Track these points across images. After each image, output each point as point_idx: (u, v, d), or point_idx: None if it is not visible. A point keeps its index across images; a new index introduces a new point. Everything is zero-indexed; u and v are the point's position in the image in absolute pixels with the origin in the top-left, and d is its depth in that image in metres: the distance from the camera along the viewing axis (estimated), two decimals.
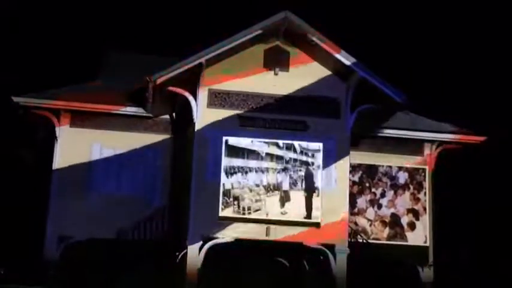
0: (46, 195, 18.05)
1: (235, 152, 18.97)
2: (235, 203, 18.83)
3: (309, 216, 18.98)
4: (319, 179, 19.13)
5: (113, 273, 16.06)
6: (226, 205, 18.70)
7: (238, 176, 18.88)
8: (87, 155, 17.93)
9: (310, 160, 19.00)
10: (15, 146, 24.14)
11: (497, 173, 23.91)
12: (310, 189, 19.24)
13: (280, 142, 19.05)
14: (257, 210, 18.73)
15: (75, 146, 18.15)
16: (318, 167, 19.35)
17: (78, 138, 18.30)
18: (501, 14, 27.55)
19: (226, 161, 19.08)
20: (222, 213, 18.79)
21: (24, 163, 24.13)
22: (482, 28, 28.36)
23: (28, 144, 23.48)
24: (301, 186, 18.99)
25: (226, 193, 18.82)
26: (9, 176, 23.93)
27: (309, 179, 18.98)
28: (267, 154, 19.01)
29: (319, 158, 19.20)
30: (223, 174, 19.05)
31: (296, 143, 19.27)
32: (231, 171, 18.92)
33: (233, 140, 19.15)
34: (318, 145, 19.46)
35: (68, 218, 17.57)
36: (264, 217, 18.51)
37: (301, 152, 19.15)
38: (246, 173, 18.73)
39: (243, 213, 18.77)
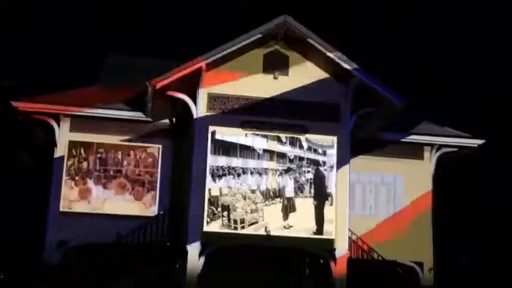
0: (46, 200, 18.59)
1: (224, 148, 15.79)
2: (225, 214, 15.31)
3: (319, 231, 15.77)
4: (332, 183, 16.06)
5: (112, 277, 16.70)
6: (213, 217, 15.30)
7: (229, 179, 15.53)
8: (87, 159, 18.59)
9: (320, 159, 16.15)
10: (15, 150, 24.66)
11: (497, 176, 24.65)
12: (321, 196, 16.04)
13: (283, 136, 16.11)
14: (253, 224, 15.52)
15: (74, 150, 18.58)
16: (331, 167, 16.07)
17: (78, 142, 18.63)
18: (499, 17, 27.86)
19: (212, 160, 15.59)
20: (207, 228, 15.22)
21: (23, 167, 24.63)
22: (480, 31, 28.33)
23: (28, 149, 24.05)
24: (310, 192, 16.03)
25: (213, 201, 15.39)
26: (8, 180, 24.16)
27: (319, 183, 16.13)
28: (266, 151, 15.92)
29: (332, 156, 16.15)
30: (208, 177, 15.46)
31: (303, 137, 16.14)
32: (218, 173, 15.49)
33: (222, 133, 15.92)
34: (331, 139, 16.24)
35: (67, 222, 18.04)
36: (261, 232, 15.54)
37: (309, 149, 16.13)
38: (239, 175, 15.65)
39: (235, 228, 15.24)
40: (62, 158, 18.56)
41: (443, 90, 26.84)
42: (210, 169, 15.60)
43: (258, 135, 16.11)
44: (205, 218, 15.39)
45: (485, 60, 27.16)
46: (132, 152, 18.76)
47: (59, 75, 25.38)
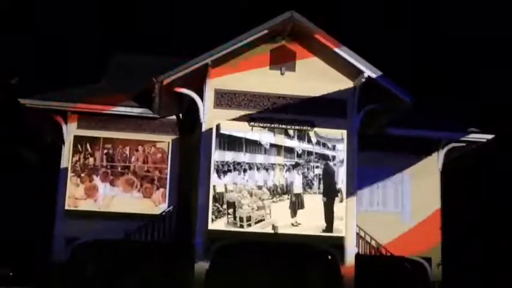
0: (53, 197, 18.50)
1: (230, 143, 15.14)
2: (230, 211, 14.63)
3: (329, 228, 15.15)
4: (341, 179, 15.40)
5: (120, 274, 16.76)
6: (218, 214, 14.66)
7: (234, 175, 14.85)
8: (94, 156, 18.54)
9: (329, 153, 15.57)
10: (22, 148, 25.12)
11: (505, 172, 24.65)
12: (330, 193, 15.41)
13: (290, 130, 15.59)
14: (260, 221, 14.85)
15: (80, 146, 18.54)
16: (341, 162, 15.39)
17: (85, 139, 18.57)
18: (507, 10, 27.42)
19: (217, 155, 14.89)
20: (212, 226, 14.57)
21: (31, 165, 25.16)
22: (488, 24, 28.03)
23: (35, 146, 24.22)
24: (319, 188, 15.45)
25: (218, 198, 14.80)
26: (16, 178, 24.49)
27: (328, 178, 15.53)
28: (273, 146, 15.26)
29: (341, 151, 15.49)
30: (213, 173, 14.75)
31: (311, 131, 15.53)
32: (223, 169, 14.89)
33: (227, 127, 15.33)
34: (341, 133, 15.57)
35: (74, 220, 17.96)
36: (268, 230, 14.94)
37: (318, 143, 15.53)
38: (245, 170, 15.05)
39: (241, 226, 14.56)
40: (67, 154, 18.42)
41: (451, 84, 26.65)
42: (214, 165, 14.82)
43: (265, 128, 15.52)
44: (210, 216, 14.61)
45: (485, 60, 26.99)
46: (140, 148, 18.32)
47: (64, 74, 25.34)
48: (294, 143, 15.63)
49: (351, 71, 17.10)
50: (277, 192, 15.42)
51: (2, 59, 24.14)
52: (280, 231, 15.06)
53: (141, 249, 16.54)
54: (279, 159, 15.48)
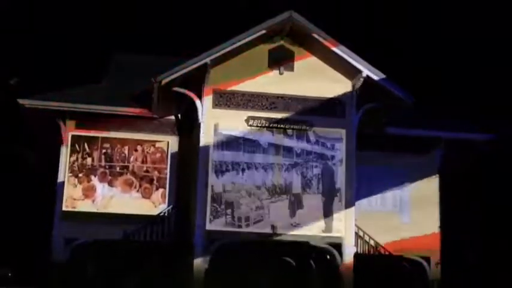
0: (53, 197, 18.57)
1: (228, 142, 15.09)
2: (228, 211, 14.58)
3: (328, 228, 15.17)
4: (341, 179, 15.39)
5: (120, 274, 16.74)
6: (216, 214, 14.58)
7: (232, 175, 14.75)
8: (91, 154, 18.57)
9: (328, 153, 15.53)
10: (21, 148, 25.21)
11: (506, 171, 24.73)
12: (329, 192, 15.37)
13: (289, 129, 15.59)
14: (258, 222, 14.81)
15: (78, 145, 18.52)
16: (340, 161, 15.36)
17: (83, 138, 18.58)
18: (507, 10, 27.42)
19: (216, 155, 14.89)
20: (210, 226, 14.55)
21: (30, 165, 25.23)
22: (488, 24, 27.97)
23: (34, 147, 24.26)
24: (318, 187, 15.42)
25: (216, 198, 14.71)
26: (16, 178, 24.71)
27: (327, 178, 15.51)
28: (271, 145, 15.19)
29: (340, 150, 15.51)
30: (211, 173, 14.75)
31: (310, 130, 15.48)
32: (222, 169, 14.80)
33: (225, 125, 15.27)
34: (340, 132, 15.61)
35: (72, 221, 17.96)
36: (267, 230, 14.88)
37: (317, 142, 15.47)
38: (243, 170, 14.99)
39: (239, 226, 14.51)
40: (66, 154, 18.42)
41: (450, 84, 26.68)
42: (212, 164, 14.76)
43: (263, 128, 15.44)
44: (208, 216, 14.55)
45: (486, 60, 27.01)
46: (139, 147, 18.17)
47: (64, 74, 25.41)
48: (292, 143, 15.57)
49: (350, 71, 17.13)
50: (276, 192, 15.36)
51: (2, 59, 24.11)
52: (279, 231, 14.98)
53: (140, 249, 16.55)
54: (278, 159, 15.47)
